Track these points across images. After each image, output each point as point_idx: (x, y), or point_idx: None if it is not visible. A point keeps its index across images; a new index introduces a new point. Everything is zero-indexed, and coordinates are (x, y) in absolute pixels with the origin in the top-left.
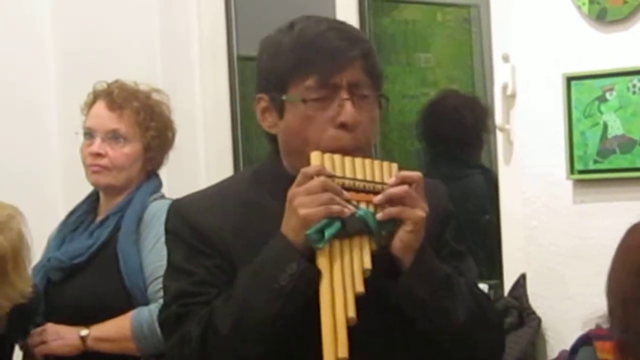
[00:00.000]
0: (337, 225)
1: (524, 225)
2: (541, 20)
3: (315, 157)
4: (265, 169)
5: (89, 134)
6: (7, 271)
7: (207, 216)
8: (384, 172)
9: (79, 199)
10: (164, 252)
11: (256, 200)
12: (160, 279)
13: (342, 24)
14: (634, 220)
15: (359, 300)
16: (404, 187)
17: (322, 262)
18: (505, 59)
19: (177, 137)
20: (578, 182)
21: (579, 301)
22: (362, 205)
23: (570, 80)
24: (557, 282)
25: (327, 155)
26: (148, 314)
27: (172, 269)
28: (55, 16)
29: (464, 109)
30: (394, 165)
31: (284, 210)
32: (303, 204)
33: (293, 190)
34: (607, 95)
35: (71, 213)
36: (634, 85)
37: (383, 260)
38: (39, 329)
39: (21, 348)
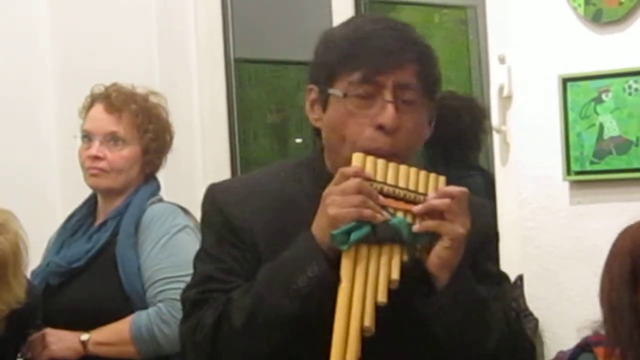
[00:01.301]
0: (366, 229)
1: (520, 226)
2: (537, 21)
3: (357, 158)
4: (306, 164)
5: (87, 137)
6: (7, 275)
7: (238, 207)
8: (429, 184)
9: (77, 203)
10: (162, 256)
11: (290, 196)
12: (158, 283)
13: (404, 26)
14: (630, 221)
15: (381, 310)
16: (446, 201)
17: (345, 265)
18: (502, 60)
19: (174, 140)
20: (574, 183)
21: (576, 302)
22: (400, 214)
23: (566, 81)
24: (554, 283)
25: (370, 158)
26: (146, 317)
27: (203, 252)
28: (53, 20)
29: (461, 111)
30: (441, 179)
31: (317, 208)
32: (334, 204)
33: (329, 188)
34: (603, 96)
35: (70, 217)
36: (629, 87)
37: (417, 273)
38: (38, 334)
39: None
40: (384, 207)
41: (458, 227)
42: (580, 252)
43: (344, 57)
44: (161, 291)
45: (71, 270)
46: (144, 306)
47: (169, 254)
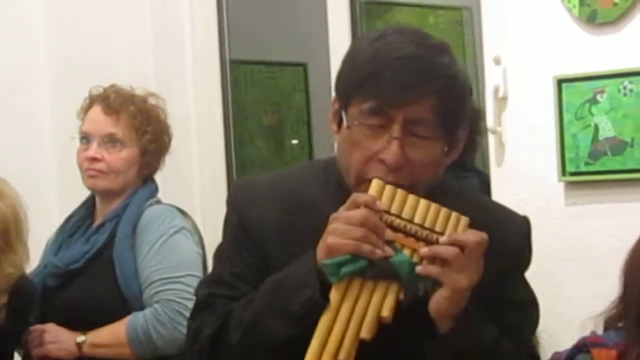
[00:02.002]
0: (361, 264)
1: None
2: (532, 22)
3: (375, 185)
4: (333, 170)
5: (86, 138)
6: (11, 239)
7: (254, 207)
8: (449, 224)
9: (74, 204)
10: (159, 257)
11: (309, 199)
12: (155, 284)
13: (434, 51)
14: (626, 222)
15: (377, 347)
16: (453, 250)
17: (333, 296)
18: (497, 61)
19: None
20: (570, 184)
21: (573, 303)
22: (406, 251)
23: (561, 82)
24: (550, 284)
25: (389, 188)
26: (143, 319)
27: (221, 249)
28: (48, 21)
29: None
30: (463, 220)
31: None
32: (335, 232)
33: (337, 213)
34: (598, 97)
35: (68, 218)
36: (624, 87)
37: (421, 313)
38: (37, 329)
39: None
40: (390, 241)
41: (462, 280)
42: (576, 253)
43: (359, 83)
44: (158, 292)
45: (69, 271)
46: (141, 307)
47: (166, 256)
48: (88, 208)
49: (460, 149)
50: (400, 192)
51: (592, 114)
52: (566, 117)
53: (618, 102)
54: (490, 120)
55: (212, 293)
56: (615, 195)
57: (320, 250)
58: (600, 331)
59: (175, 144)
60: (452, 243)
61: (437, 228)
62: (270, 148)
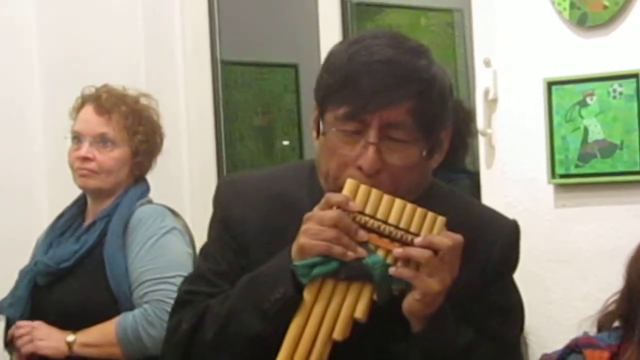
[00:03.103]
0: (332, 265)
1: None
2: (522, 25)
3: (349, 185)
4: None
5: (77, 138)
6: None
7: (238, 206)
8: (425, 224)
9: (64, 204)
10: (149, 257)
11: (294, 199)
12: (145, 284)
13: (410, 54)
14: (615, 225)
15: (352, 347)
16: (426, 253)
17: (306, 297)
18: (487, 63)
19: None
20: (559, 187)
21: (561, 305)
22: (380, 252)
23: (551, 85)
24: (538, 287)
25: (363, 188)
26: (132, 319)
27: (206, 246)
28: (40, 21)
29: None
30: (439, 220)
31: None
32: (307, 232)
33: (310, 213)
34: (588, 100)
35: (59, 217)
36: (614, 90)
37: (395, 311)
38: (28, 323)
39: (6, 346)
40: (364, 242)
41: (433, 284)
42: (565, 255)
43: (334, 89)
44: (148, 292)
45: (59, 270)
46: (131, 307)
47: (156, 256)
48: (79, 207)
49: (445, 151)
50: (375, 192)
51: (581, 117)
52: (556, 119)
53: (608, 104)
54: (480, 122)
55: (192, 290)
56: (605, 198)
57: (294, 250)
58: (593, 332)
59: (166, 144)
60: (426, 246)
61: (413, 229)
62: (261, 149)
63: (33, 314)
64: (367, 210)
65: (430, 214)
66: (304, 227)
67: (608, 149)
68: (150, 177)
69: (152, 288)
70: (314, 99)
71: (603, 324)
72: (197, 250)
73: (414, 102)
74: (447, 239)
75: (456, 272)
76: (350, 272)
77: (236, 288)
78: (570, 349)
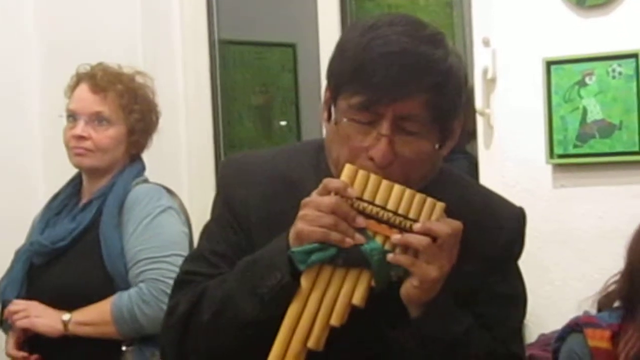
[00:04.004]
0: (330, 252)
1: None
2: (521, 4)
3: (347, 171)
4: (325, 154)
5: (72, 116)
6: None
7: (242, 187)
8: (424, 210)
9: (61, 183)
10: (145, 237)
11: (298, 181)
12: (140, 263)
13: (423, 44)
14: (613, 205)
15: (348, 333)
16: (424, 240)
17: (303, 284)
18: (486, 43)
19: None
20: (558, 167)
21: (559, 286)
22: (379, 239)
23: (550, 64)
24: (536, 267)
25: (362, 173)
26: (128, 298)
27: (207, 226)
28: (36, 0)
29: None
30: (439, 206)
31: None
32: (305, 218)
33: (308, 198)
34: (587, 79)
35: (55, 196)
36: (613, 70)
37: (394, 297)
38: (24, 302)
39: (1, 325)
40: (362, 229)
41: (431, 271)
42: (563, 236)
43: (348, 76)
44: (143, 271)
45: (55, 250)
46: (127, 286)
47: (152, 235)
48: (75, 186)
49: (457, 138)
50: (373, 177)
51: (580, 97)
52: (555, 99)
53: (607, 84)
54: (478, 102)
55: (191, 270)
56: (603, 178)
57: (291, 236)
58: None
59: (163, 123)
60: (424, 232)
61: (412, 215)
62: (258, 128)
63: (29, 294)
64: (366, 196)
65: (429, 200)
66: (301, 212)
67: (607, 129)
68: (147, 156)
69: (147, 267)
70: (326, 78)
71: (603, 304)
72: (193, 229)
73: (429, 95)
74: (446, 226)
75: (454, 259)
76: (348, 259)
77: (233, 271)
78: (571, 328)
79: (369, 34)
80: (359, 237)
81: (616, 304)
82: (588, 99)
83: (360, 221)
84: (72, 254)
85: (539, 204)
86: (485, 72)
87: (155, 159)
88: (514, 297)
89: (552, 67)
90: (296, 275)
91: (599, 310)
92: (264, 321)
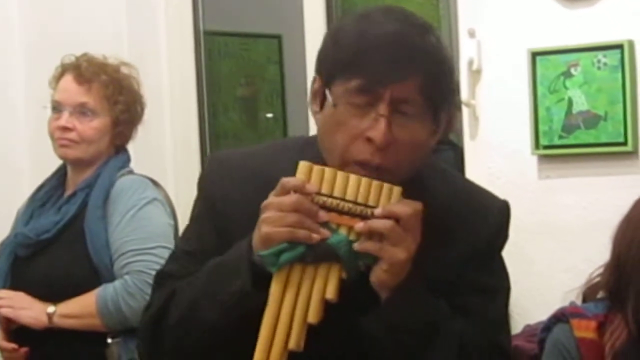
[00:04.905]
0: (299, 250)
1: None
2: None
3: (302, 167)
4: (310, 151)
5: (57, 107)
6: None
7: (222, 185)
8: (382, 196)
9: (46, 174)
10: (130, 228)
11: (277, 179)
12: (125, 255)
13: (420, 30)
14: (598, 196)
15: (324, 328)
16: (387, 223)
17: (274, 287)
18: (471, 34)
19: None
20: (543, 158)
21: (544, 277)
22: (342, 230)
23: (535, 55)
24: (521, 258)
25: (316, 168)
26: (113, 290)
27: (187, 227)
28: None
29: None
30: (396, 190)
31: None
32: (269, 221)
33: (267, 200)
34: (572, 70)
35: (39, 188)
36: (598, 61)
37: (364, 287)
38: (9, 292)
39: None
40: (325, 223)
41: (398, 252)
42: (549, 227)
43: (344, 62)
44: (128, 263)
45: (39, 242)
46: (112, 278)
47: (137, 227)
48: (59, 178)
49: (442, 132)
50: (328, 171)
51: (566, 87)
52: (540, 90)
53: (592, 75)
54: (464, 93)
55: (167, 270)
56: (589, 169)
57: (256, 240)
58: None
59: (148, 114)
60: (386, 215)
61: (371, 202)
62: (244, 120)
63: (13, 286)
64: (324, 190)
65: (386, 186)
66: (263, 216)
67: (592, 120)
68: (132, 147)
69: (132, 259)
70: (317, 71)
71: (588, 295)
72: (179, 221)
73: (424, 78)
74: (406, 206)
75: (419, 238)
76: (316, 255)
77: (201, 274)
78: (557, 319)
79: (363, 21)
80: (324, 232)
81: (600, 294)
82: (573, 90)
83: (323, 215)
84: (57, 245)
85: (525, 194)
86: (470, 63)
87: (141, 150)
88: (497, 288)
89: (538, 58)
90: (259, 282)
91: (584, 301)
92: (226, 327)
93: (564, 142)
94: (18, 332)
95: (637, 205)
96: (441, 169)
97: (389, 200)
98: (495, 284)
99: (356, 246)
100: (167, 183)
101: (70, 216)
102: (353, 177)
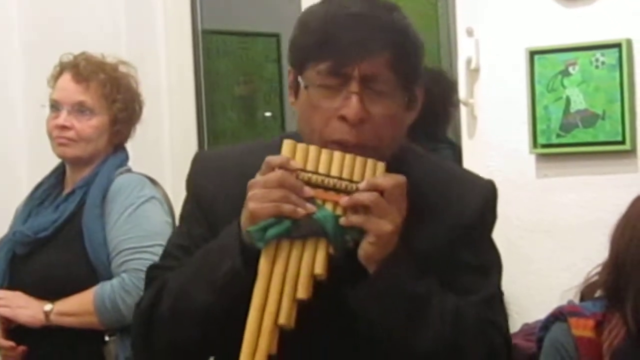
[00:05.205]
0: (285, 225)
1: None
2: None
3: (286, 146)
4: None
5: (55, 106)
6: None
7: (209, 180)
8: (366, 171)
9: (44, 172)
10: (128, 226)
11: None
12: (123, 253)
13: (383, 9)
14: (596, 195)
15: (313, 304)
16: (372, 196)
17: (263, 263)
18: (469, 33)
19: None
20: (541, 156)
21: (542, 275)
22: (328, 206)
23: (533, 54)
24: (519, 256)
25: (300, 146)
26: (110, 288)
27: (178, 224)
28: None
29: (430, 83)
30: (380, 165)
31: None
32: (255, 198)
33: (254, 179)
34: (570, 69)
35: (38, 186)
36: (597, 60)
37: (353, 264)
38: (7, 292)
39: None
40: (311, 199)
41: (384, 224)
42: (546, 225)
43: (312, 46)
44: (125, 261)
45: (38, 240)
46: (110, 276)
47: (135, 225)
48: (58, 176)
49: (419, 108)
50: (312, 148)
51: (564, 86)
52: (538, 89)
53: (590, 74)
54: (462, 92)
55: (159, 265)
56: (587, 168)
57: (244, 219)
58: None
59: (146, 113)
60: (370, 188)
61: (355, 177)
62: (242, 118)
63: (11, 284)
64: (309, 167)
65: (370, 161)
66: (250, 193)
67: (590, 119)
68: (130, 146)
69: (130, 257)
70: (289, 63)
71: (585, 294)
72: (177, 219)
73: (391, 53)
74: (390, 179)
75: (404, 210)
76: (303, 230)
77: (191, 261)
78: (555, 317)
79: (329, 5)
80: (310, 207)
81: (597, 293)
82: (571, 89)
83: (308, 191)
84: (55, 243)
85: (523, 193)
86: (468, 62)
87: (139, 148)
88: (486, 265)
89: (536, 57)
90: (250, 261)
91: (582, 299)
92: (219, 309)
93: (562, 140)
94: (16, 330)
95: (635, 204)
96: (422, 153)
97: (373, 175)
98: (484, 262)
99: (342, 220)
100: (165, 181)
101: (68, 214)
102: (337, 154)
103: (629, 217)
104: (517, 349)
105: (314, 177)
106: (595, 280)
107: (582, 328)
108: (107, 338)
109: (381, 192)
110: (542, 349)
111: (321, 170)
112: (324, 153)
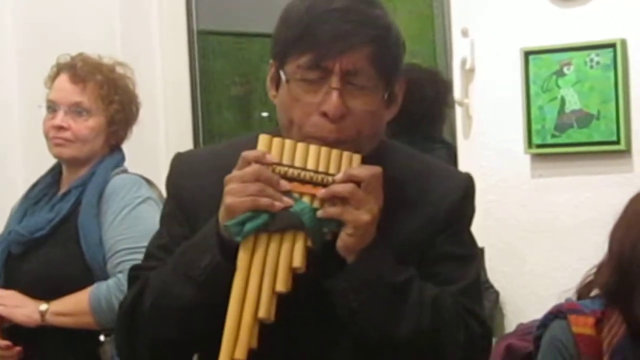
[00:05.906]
0: (262, 218)
1: (481, 199)
2: None
3: (262, 140)
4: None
5: (52, 107)
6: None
7: (188, 179)
8: (343, 164)
9: (39, 172)
10: (124, 227)
11: None
12: (119, 254)
13: (362, 3)
14: (591, 195)
15: (293, 296)
16: (349, 186)
17: (241, 256)
18: (464, 33)
19: None
20: (536, 156)
21: (537, 275)
22: (305, 199)
23: (528, 54)
24: (514, 256)
25: (276, 140)
26: (106, 288)
27: (160, 223)
28: None
29: (425, 84)
30: (356, 157)
31: None
32: (232, 192)
33: (230, 174)
34: (565, 69)
35: (34, 186)
36: (591, 60)
37: (332, 256)
38: (2, 291)
39: None
40: (288, 192)
41: (362, 215)
42: (541, 225)
43: (294, 39)
44: (121, 262)
45: (33, 239)
46: (105, 277)
47: (131, 225)
48: (54, 176)
49: (399, 104)
50: (288, 142)
51: (558, 87)
52: (533, 89)
53: (584, 74)
54: (457, 92)
55: (141, 266)
56: (581, 168)
57: (222, 214)
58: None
59: (142, 113)
60: (346, 179)
61: (332, 170)
62: (238, 119)
63: (7, 284)
64: (285, 161)
65: (345, 153)
66: (227, 188)
67: (585, 119)
68: (126, 146)
69: (126, 257)
70: (270, 56)
71: (582, 293)
72: None
73: (372, 48)
74: (366, 169)
75: (381, 200)
76: (281, 223)
77: (172, 258)
78: (554, 315)
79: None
80: (287, 200)
81: (593, 292)
82: (566, 89)
83: (284, 184)
84: (51, 243)
85: (518, 193)
86: (463, 62)
87: (135, 149)
88: (465, 256)
89: (530, 57)
90: (229, 255)
91: (579, 299)
92: (201, 304)
93: (557, 141)
94: (11, 330)
95: (635, 204)
96: (400, 147)
97: (349, 166)
98: (465, 253)
99: (320, 212)
100: (161, 182)
101: (64, 214)
102: (313, 147)
103: (630, 218)
104: (512, 348)
105: (290, 171)
106: (591, 279)
107: (582, 325)
108: (102, 338)
109: (358, 183)
110: (541, 346)
111: (297, 163)
112: (300, 147)
